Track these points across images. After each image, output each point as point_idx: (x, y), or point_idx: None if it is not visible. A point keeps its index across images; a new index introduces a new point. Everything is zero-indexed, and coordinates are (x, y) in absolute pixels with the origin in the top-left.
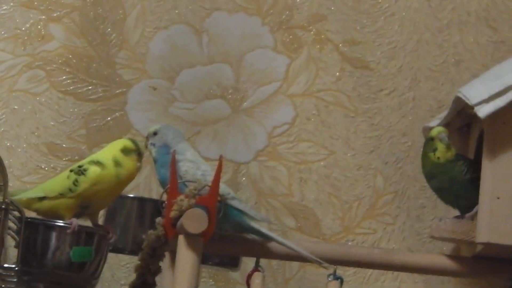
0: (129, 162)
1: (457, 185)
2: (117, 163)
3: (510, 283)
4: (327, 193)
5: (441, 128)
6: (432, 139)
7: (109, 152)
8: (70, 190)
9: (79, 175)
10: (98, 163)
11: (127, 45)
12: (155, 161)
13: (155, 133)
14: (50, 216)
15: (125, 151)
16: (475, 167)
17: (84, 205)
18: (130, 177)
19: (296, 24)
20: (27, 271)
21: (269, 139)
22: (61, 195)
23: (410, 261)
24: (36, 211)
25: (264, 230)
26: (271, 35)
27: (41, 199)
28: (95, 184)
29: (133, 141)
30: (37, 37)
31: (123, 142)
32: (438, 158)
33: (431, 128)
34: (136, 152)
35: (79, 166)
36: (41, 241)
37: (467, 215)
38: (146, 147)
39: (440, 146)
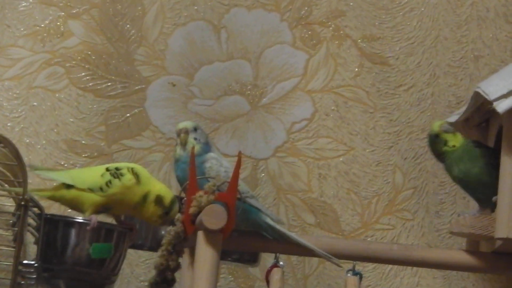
0: (150, 209)
1: (480, 168)
2: (144, 198)
3: None
4: (346, 189)
5: (439, 122)
6: (437, 136)
7: (149, 183)
8: (101, 189)
9: (115, 177)
10: (136, 175)
11: (146, 42)
12: (178, 158)
13: (195, 129)
14: (73, 207)
15: (156, 201)
16: (495, 154)
17: (108, 206)
18: (143, 216)
19: (314, 20)
20: (47, 267)
21: (288, 135)
22: (90, 190)
23: (429, 257)
24: (61, 199)
25: (280, 228)
26: (290, 31)
27: (69, 187)
28: (125, 191)
29: (171, 202)
30: (56, 34)
31: (164, 193)
32: (454, 146)
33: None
34: (164, 210)
35: (117, 169)
36: (61, 237)
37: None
38: (185, 143)
39: (449, 137)
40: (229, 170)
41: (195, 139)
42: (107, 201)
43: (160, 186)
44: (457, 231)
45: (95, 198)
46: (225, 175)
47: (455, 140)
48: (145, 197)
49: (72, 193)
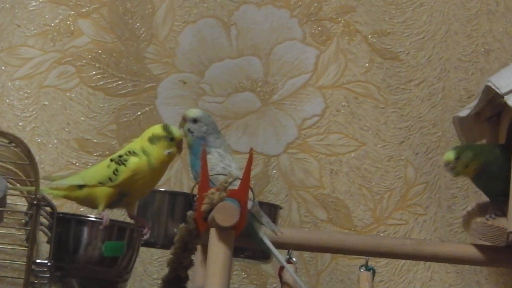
0: (157, 150)
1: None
2: (145, 152)
3: None
4: (358, 185)
5: (449, 156)
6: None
7: (139, 141)
8: (110, 179)
9: (119, 165)
10: (134, 153)
11: (156, 40)
12: (190, 149)
13: (195, 121)
14: (88, 204)
15: (152, 139)
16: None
17: (123, 193)
18: (162, 164)
19: (324, 16)
20: (59, 266)
21: (299, 131)
22: (101, 184)
23: (442, 251)
24: (76, 199)
25: (267, 240)
26: (300, 27)
27: (81, 187)
28: (134, 174)
29: (165, 127)
30: (66, 33)
31: (152, 130)
32: (465, 174)
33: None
34: (167, 138)
35: (119, 156)
36: (73, 236)
37: None
38: (181, 127)
39: (459, 165)
40: (228, 167)
41: (189, 130)
42: (120, 190)
43: (145, 134)
44: (469, 231)
45: (107, 190)
46: (224, 171)
47: (465, 173)
48: (149, 164)
49: (84, 191)
